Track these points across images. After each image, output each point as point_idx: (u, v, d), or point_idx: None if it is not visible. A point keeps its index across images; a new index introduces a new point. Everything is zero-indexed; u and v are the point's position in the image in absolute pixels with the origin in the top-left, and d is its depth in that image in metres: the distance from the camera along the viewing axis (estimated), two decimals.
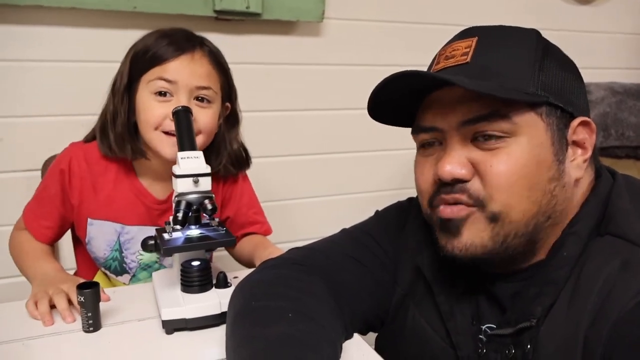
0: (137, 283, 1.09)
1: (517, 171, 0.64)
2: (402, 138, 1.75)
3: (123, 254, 1.07)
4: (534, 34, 0.70)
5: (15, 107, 1.35)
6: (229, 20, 1.47)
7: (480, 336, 0.72)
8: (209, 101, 1.00)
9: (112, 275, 1.09)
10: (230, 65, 1.51)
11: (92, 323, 0.81)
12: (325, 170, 1.69)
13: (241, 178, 1.16)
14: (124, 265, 1.08)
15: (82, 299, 0.80)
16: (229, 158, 1.09)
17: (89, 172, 1.03)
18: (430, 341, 0.76)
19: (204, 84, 0.98)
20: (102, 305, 0.84)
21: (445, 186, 0.67)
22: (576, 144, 0.69)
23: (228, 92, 1.07)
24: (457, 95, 0.66)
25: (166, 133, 0.97)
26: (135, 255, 1.07)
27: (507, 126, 0.64)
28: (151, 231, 1.02)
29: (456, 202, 0.67)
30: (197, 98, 0.99)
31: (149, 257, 1.07)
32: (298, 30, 1.58)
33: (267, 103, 1.59)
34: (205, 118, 0.99)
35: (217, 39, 1.46)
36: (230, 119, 1.10)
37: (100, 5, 1.31)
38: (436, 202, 0.69)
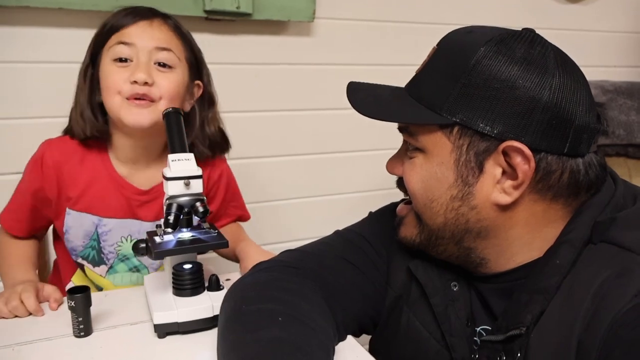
0: (113, 275, 1.08)
1: (417, 183, 0.72)
2: (394, 137, 1.75)
3: (101, 245, 1.06)
4: (482, 46, 0.65)
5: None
6: (219, 20, 1.46)
7: (475, 338, 0.72)
8: (170, 67, 0.99)
9: (89, 266, 1.07)
10: (220, 66, 1.51)
11: (83, 328, 0.81)
12: (317, 170, 1.68)
13: (226, 175, 1.16)
14: (102, 255, 1.06)
15: (72, 303, 0.79)
16: (203, 140, 1.07)
17: (65, 163, 1.02)
18: (425, 343, 0.76)
19: (163, 45, 0.97)
20: (93, 310, 0.83)
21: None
22: (511, 167, 0.65)
23: (196, 67, 1.06)
24: None
25: (128, 99, 0.95)
26: (114, 247, 1.06)
27: (413, 142, 0.72)
28: (130, 224, 1.05)
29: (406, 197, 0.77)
30: (158, 63, 0.97)
31: (127, 247, 1.06)
32: (289, 30, 1.57)
33: (258, 103, 1.58)
34: (166, 83, 0.97)
35: (208, 39, 1.47)
36: (203, 99, 1.08)
37: (88, 6, 1.29)
38: None
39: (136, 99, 0.95)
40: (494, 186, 0.66)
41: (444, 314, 0.74)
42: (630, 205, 0.68)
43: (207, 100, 1.09)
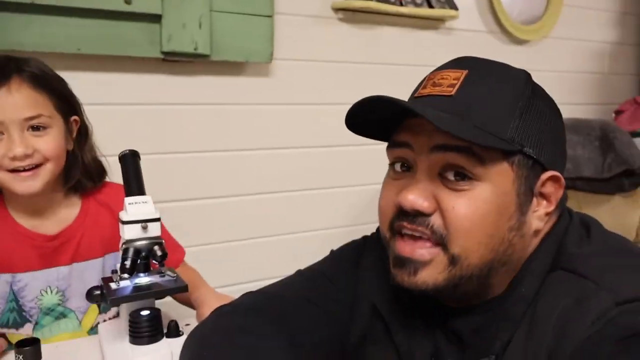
0: (41, 330, 1.01)
1: (477, 218, 0.63)
2: (355, 175, 1.76)
3: (20, 302, 0.99)
4: (524, 76, 0.69)
5: None
6: (176, 61, 1.47)
7: None
8: (45, 127, 0.96)
9: (12, 331, 1.00)
10: (179, 107, 1.50)
11: None
12: (276, 209, 1.68)
13: None
14: (24, 314, 1.00)
15: (20, 357, 0.75)
16: (83, 172, 1.04)
17: None
18: None
19: (31, 114, 0.94)
20: None
21: (406, 215, 0.65)
22: (542, 196, 0.68)
23: (68, 107, 1.02)
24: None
25: (11, 171, 0.93)
26: (34, 302, 1.00)
27: (477, 169, 0.63)
28: (47, 274, 0.99)
29: (414, 236, 0.65)
30: (31, 127, 0.94)
31: (49, 299, 1.01)
32: (247, 71, 1.58)
33: (217, 143, 1.57)
34: (46, 145, 0.95)
35: (165, 81, 1.47)
36: (80, 132, 1.05)
37: (43, 48, 1.27)
38: (397, 228, 0.68)
39: (22, 171, 0.94)
40: (532, 213, 0.68)
41: (408, 353, 0.73)
42: (584, 232, 0.70)
43: (84, 132, 1.06)
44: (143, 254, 0.83)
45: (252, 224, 1.65)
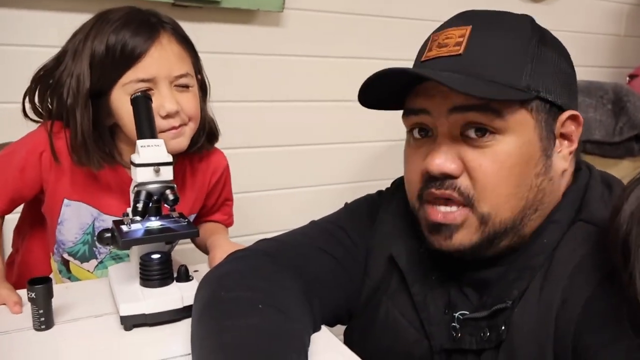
0: (101, 270, 1.04)
1: (504, 171, 0.64)
2: (367, 130, 1.74)
3: (95, 239, 0.99)
4: (528, 21, 0.69)
5: None
6: (186, 6, 1.42)
7: (454, 324, 0.72)
8: (186, 86, 0.96)
9: (77, 262, 1.02)
10: None
11: (44, 321, 0.76)
12: (286, 162, 1.66)
13: (227, 172, 1.15)
14: (94, 250, 1.02)
15: (32, 295, 0.75)
16: (206, 134, 1.05)
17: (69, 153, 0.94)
18: (404, 332, 0.75)
19: (180, 72, 0.94)
20: (55, 302, 0.79)
21: (434, 180, 0.67)
22: (563, 136, 0.69)
23: (198, 64, 1.02)
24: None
25: (161, 131, 0.93)
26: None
27: (497, 122, 0.64)
28: None
29: (445, 197, 0.66)
30: (176, 85, 0.95)
31: None
32: (258, 20, 1.54)
33: (225, 94, 1.54)
34: (189, 104, 0.96)
35: None
36: (201, 89, 1.05)
37: None
38: (425, 197, 0.69)
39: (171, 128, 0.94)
40: (560, 153, 0.69)
41: (423, 303, 0.73)
42: (605, 188, 0.71)
43: (204, 90, 1.06)
44: (155, 197, 0.82)
45: (263, 177, 1.64)
